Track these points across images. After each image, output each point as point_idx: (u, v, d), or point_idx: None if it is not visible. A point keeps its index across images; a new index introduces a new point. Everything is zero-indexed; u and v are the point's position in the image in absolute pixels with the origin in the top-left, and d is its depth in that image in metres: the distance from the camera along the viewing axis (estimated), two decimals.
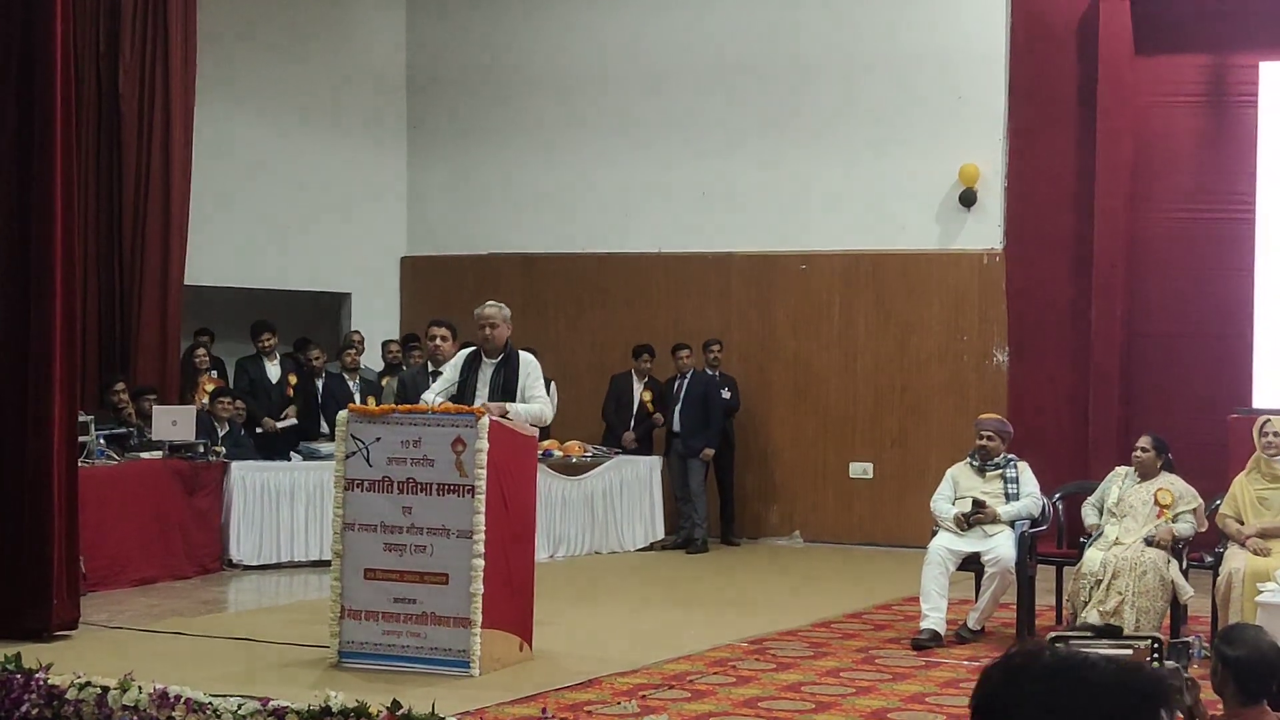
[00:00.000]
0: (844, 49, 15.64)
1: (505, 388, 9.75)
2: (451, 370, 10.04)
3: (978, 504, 10.27)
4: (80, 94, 12.20)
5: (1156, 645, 2.46)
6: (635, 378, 15.60)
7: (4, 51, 9.99)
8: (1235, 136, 14.08)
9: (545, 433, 12.94)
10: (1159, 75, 14.51)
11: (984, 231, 15.13)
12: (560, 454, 14.63)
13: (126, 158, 14.25)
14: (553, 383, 15.34)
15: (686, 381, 15.13)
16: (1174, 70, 14.48)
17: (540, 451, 10.93)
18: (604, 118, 16.69)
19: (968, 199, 15.09)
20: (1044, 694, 2.07)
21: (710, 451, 15.11)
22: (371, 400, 13.54)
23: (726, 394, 15.34)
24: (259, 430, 14.52)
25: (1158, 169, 14.50)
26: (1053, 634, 2.89)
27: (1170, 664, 3.33)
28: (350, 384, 14.86)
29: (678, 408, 15.14)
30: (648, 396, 15.54)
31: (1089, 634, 2.97)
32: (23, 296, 9.90)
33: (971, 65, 15.10)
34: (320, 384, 15.05)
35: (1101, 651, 2.16)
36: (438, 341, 11.12)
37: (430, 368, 11.14)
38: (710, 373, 15.33)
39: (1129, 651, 3.10)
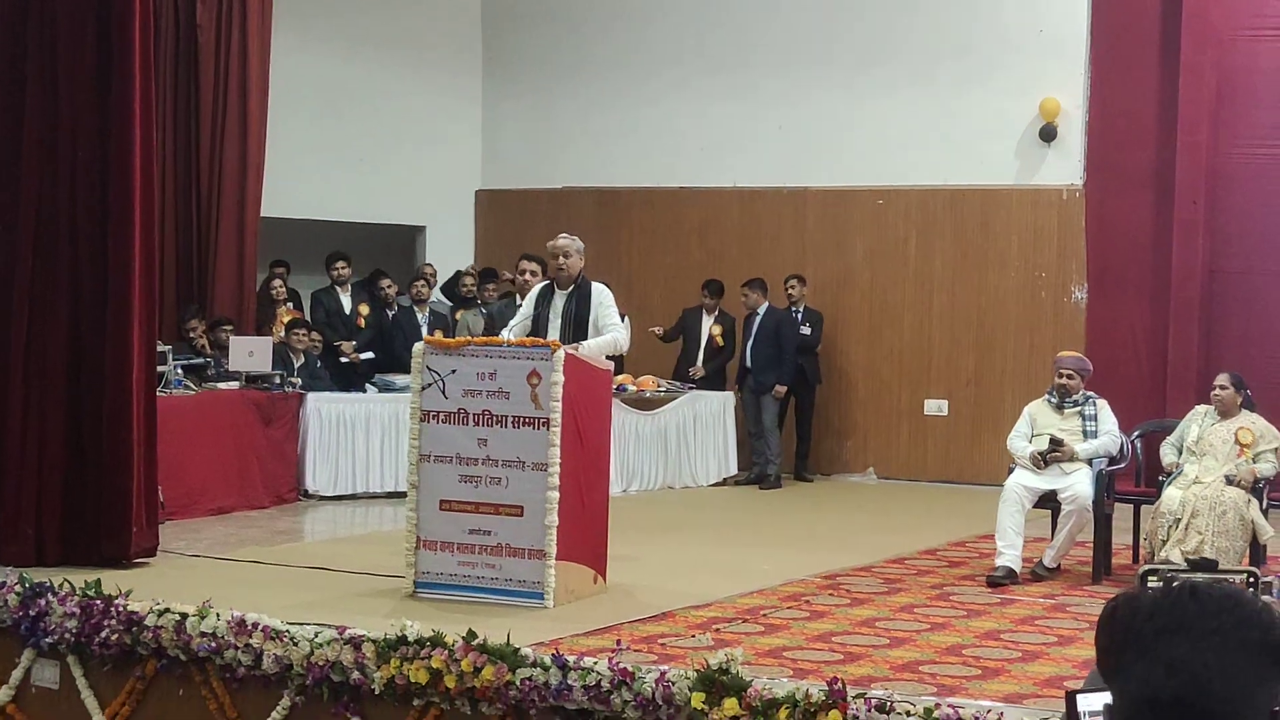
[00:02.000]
0: None
1: (578, 318, 9.77)
2: (527, 305, 10.09)
3: (1055, 442, 10.18)
4: (158, 26, 12.22)
5: (1252, 580, 2.41)
6: (705, 313, 15.56)
7: None
8: None
9: (619, 367, 12.95)
10: (1243, 8, 14.26)
11: (1064, 167, 14.96)
12: (634, 389, 14.63)
13: (204, 89, 14.30)
14: (626, 317, 15.33)
15: (759, 317, 15.06)
16: (1259, 3, 14.22)
17: (614, 386, 10.93)
18: (680, 52, 16.58)
19: (1048, 134, 14.91)
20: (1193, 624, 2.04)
21: (782, 388, 15.05)
22: (440, 333, 13.56)
23: (807, 330, 15.25)
24: (342, 360, 14.57)
25: (1241, 104, 14.27)
26: (1146, 567, 2.84)
27: (1267, 599, 3.29)
28: (419, 316, 14.88)
29: (750, 343, 15.08)
30: (717, 331, 15.49)
31: (1183, 568, 2.91)
32: (102, 228, 9.96)
33: None
34: (390, 315, 15.09)
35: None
36: (527, 276, 11.19)
37: (517, 301, 11.18)
38: (793, 309, 15.25)
39: None
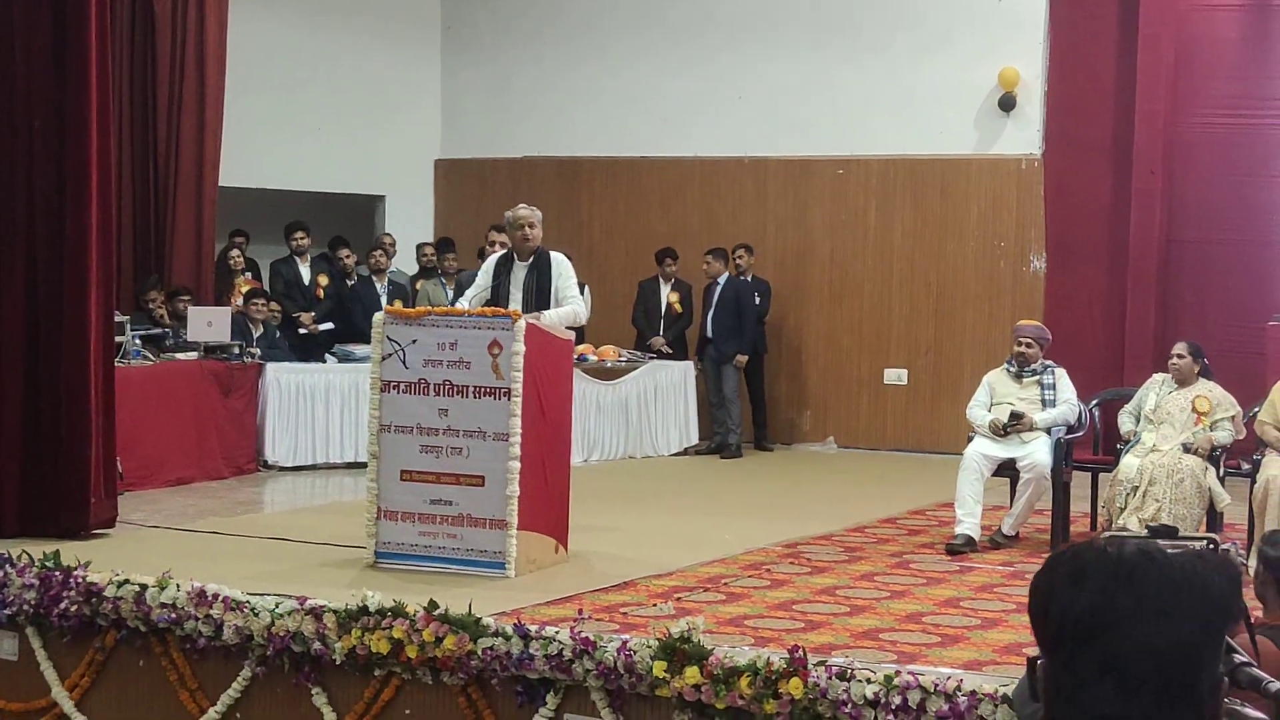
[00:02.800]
0: None
1: (539, 289, 9.77)
2: (484, 275, 10.06)
3: (1015, 415, 10.22)
4: None
5: (1212, 546, 2.42)
6: (661, 281, 15.56)
7: None
8: (1277, 41, 13.88)
9: (580, 337, 12.95)
10: None
11: (1023, 136, 15.00)
12: (595, 358, 14.62)
13: (161, 59, 14.20)
14: (585, 286, 15.33)
15: (720, 287, 15.07)
16: None
17: (575, 356, 10.93)
18: (641, 20, 16.54)
19: (1007, 104, 14.94)
20: (1136, 593, 1.98)
21: (743, 358, 15.06)
22: (399, 303, 13.52)
23: (756, 299, 15.26)
24: (301, 331, 14.53)
25: (1199, 74, 14.31)
26: (1106, 534, 2.84)
27: None
28: (378, 286, 14.84)
29: (710, 313, 15.09)
30: (674, 298, 15.50)
31: (1143, 534, 2.92)
32: (59, 198, 9.90)
33: None
34: (350, 285, 15.04)
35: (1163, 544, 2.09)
36: (498, 247, 11.18)
37: None
38: (741, 278, 15.25)
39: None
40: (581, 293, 14.60)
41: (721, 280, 15.06)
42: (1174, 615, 1.96)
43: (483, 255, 12.16)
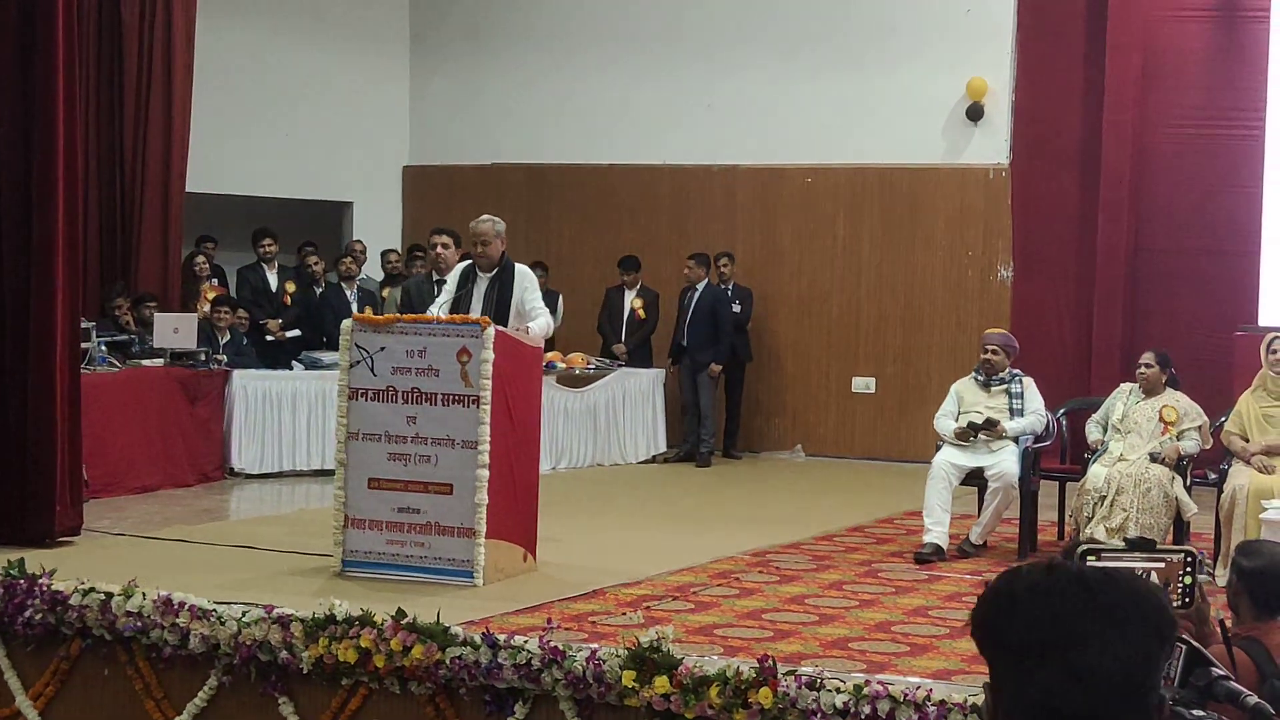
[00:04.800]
0: None
1: (500, 301, 9.68)
2: (451, 283, 9.99)
3: (990, 422, 10.22)
4: (82, 0, 12.08)
5: (1190, 559, 2.42)
6: (626, 289, 15.55)
7: None
8: (1246, 52, 13.94)
9: (549, 345, 12.91)
10: None
11: (991, 146, 15.04)
12: (563, 366, 14.60)
13: (128, 65, 14.14)
14: (560, 295, 15.36)
15: (697, 294, 15.04)
16: None
17: (544, 363, 10.90)
18: (610, 28, 16.54)
19: (975, 113, 14.98)
20: (1060, 613, 2.04)
21: (717, 367, 15.05)
22: (368, 310, 13.47)
23: (737, 307, 15.25)
24: (269, 338, 14.47)
25: (1167, 84, 14.37)
26: (1085, 546, 2.85)
27: (1204, 577, 3.31)
28: (348, 293, 14.80)
29: (687, 321, 15.05)
30: (639, 304, 15.48)
31: (1121, 546, 2.93)
32: (25, 204, 9.83)
33: None
34: (319, 292, 14.99)
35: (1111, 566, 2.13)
36: (439, 250, 11.04)
37: (435, 277, 11.08)
38: (723, 286, 15.24)
39: (1162, 565, 3.07)
40: (556, 303, 14.78)
41: (700, 287, 15.03)
42: (1130, 631, 2.04)
43: (429, 259, 12.10)
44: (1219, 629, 3.78)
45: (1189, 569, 3.01)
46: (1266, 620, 4.57)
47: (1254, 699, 2.11)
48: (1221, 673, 2.05)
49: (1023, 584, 2.08)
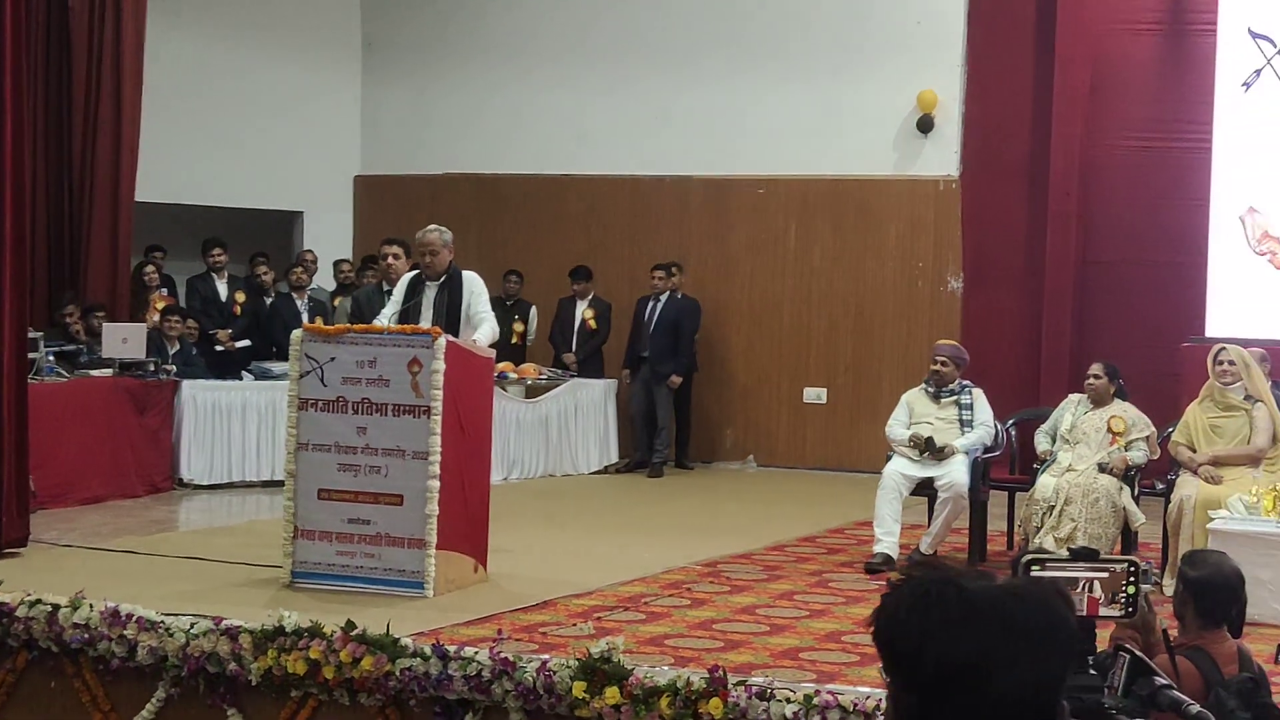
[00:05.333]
0: None
1: (450, 308, 9.67)
2: (398, 293, 9.96)
3: (937, 446, 10.24)
4: (29, 7, 11.99)
5: (1133, 569, 2.44)
6: (577, 299, 15.55)
7: None
8: (1193, 65, 14.05)
9: (519, 356, 12.93)
10: (1118, 1, 14.46)
11: (941, 158, 15.11)
12: (516, 376, 14.58)
13: (76, 73, 14.05)
14: (534, 307, 15.43)
15: (660, 305, 15.03)
16: None
17: (496, 374, 10.89)
18: (562, 39, 16.54)
19: (925, 125, 15.05)
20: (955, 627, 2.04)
21: (678, 379, 15.06)
22: (320, 320, 13.42)
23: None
24: (219, 349, 14.40)
25: (1115, 96, 14.47)
26: (1029, 556, 2.87)
27: (1146, 587, 3.33)
28: (298, 303, 14.75)
29: (649, 331, 15.03)
30: (590, 315, 15.48)
31: (1064, 556, 2.95)
32: None
33: None
34: (269, 302, 14.93)
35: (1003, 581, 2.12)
36: (389, 260, 11.03)
37: (385, 287, 11.05)
38: (674, 295, 15.23)
39: (1105, 574, 3.10)
40: (528, 314, 14.83)
41: (664, 298, 15.02)
42: (1045, 653, 2.05)
43: (379, 269, 12.11)
44: (1163, 639, 3.82)
45: (1132, 578, 3.04)
46: (1212, 630, 4.61)
47: (1196, 707, 2.13)
48: (1164, 682, 2.06)
49: (934, 621, 2.07)
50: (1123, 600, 3.10)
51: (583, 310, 15.53)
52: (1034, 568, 2.89)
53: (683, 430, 15.57)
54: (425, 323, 9.54)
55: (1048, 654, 2.01)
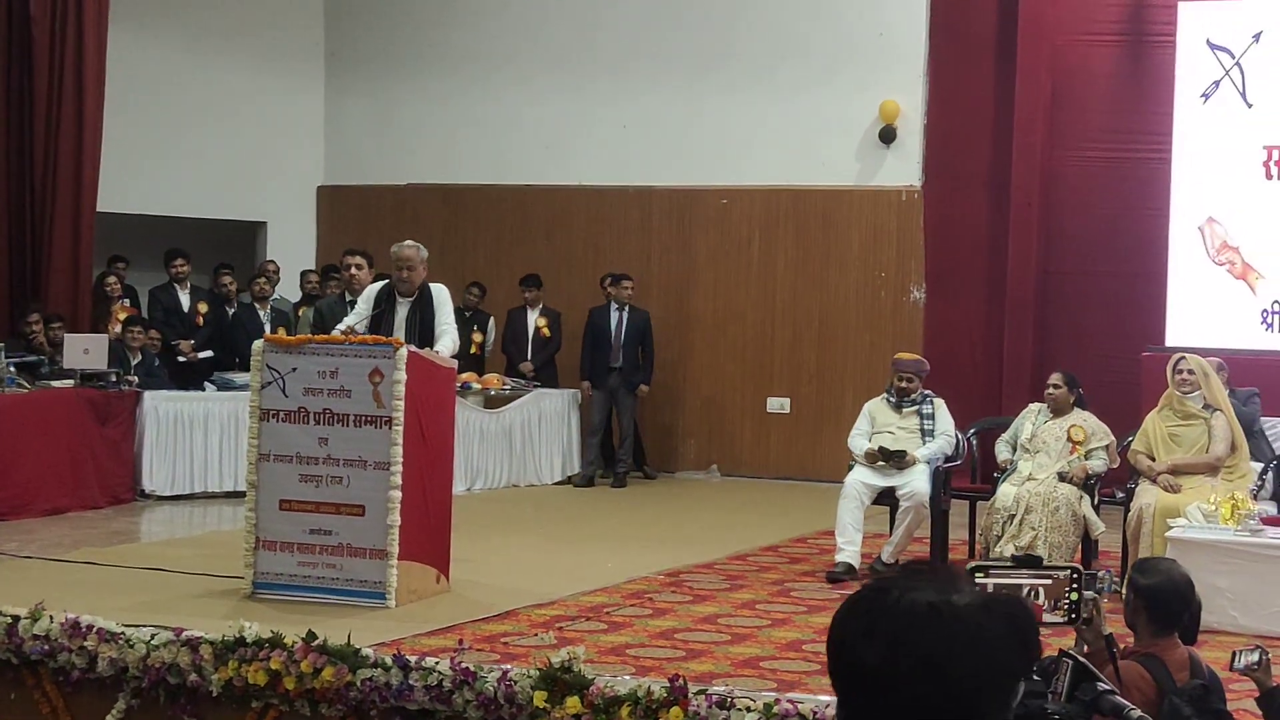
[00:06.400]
0: None
1: (423, 326, 9.64)
2: (364, 304, 9.89)
3: (899, 454, 10.28)
4: None
5: (1075, 575, 2.47)
6: (528, 308, 15.53)
7: None
8: (1152, 76, 14.14)
9: (464, 366, 12.86)
10: (1078, 13, 14.55)
11: (903, 168, 15.17)
12: (478, 387, 14.58)
13: (38, 82, 14.00)
14: (491, 318, 15.41)
15: (626, 316, 15.02)
16: (1093, 8, 14.52)
17: (458, 384, 10.88)
18: (526, 49, 16.55)
19: (887, 136, 15.11)
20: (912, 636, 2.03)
21: (646, 388, 15.09)
22: (282, 330, 13.40)
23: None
24: (180, 359, 14.36)
25: (1075, 107, 14.56)
26: (972, 564, 2.90)
27: (1089, 594, 3.36)
28: (260, 314, 14.72)
29: (621, 342, 14.99)
30: (542, 323, 15.47)
31: (1008, 564, 2.98)
32: None
33: (892, 2, 15.11)
34: (231, 313, 14.90)
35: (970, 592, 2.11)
36: (353, 271, 11.01)
37: (347, 297, 11.03)
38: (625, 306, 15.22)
39: (1049, 581, 3.13)
40: (487, 324, 14.82)
41: (626, 309, 15.01)
42: (951, 672, 2.00)
43: (341, 280, 12.08)
44: (1107, 645, 3.84)
45: (1075, 585, 3.07)
46: (1164, 637, 4.64)
47: (1137, 712, 2.15)
48: (1107, 687, 2.07)
49: (850, 628, 2.05)
50: (1065, 606, 3.13)
51: (535, 318, 15.52)
52: (978, 575, 2.92)
53: (639, 439, 15.52)
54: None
55: (954, 674, 1.97)
